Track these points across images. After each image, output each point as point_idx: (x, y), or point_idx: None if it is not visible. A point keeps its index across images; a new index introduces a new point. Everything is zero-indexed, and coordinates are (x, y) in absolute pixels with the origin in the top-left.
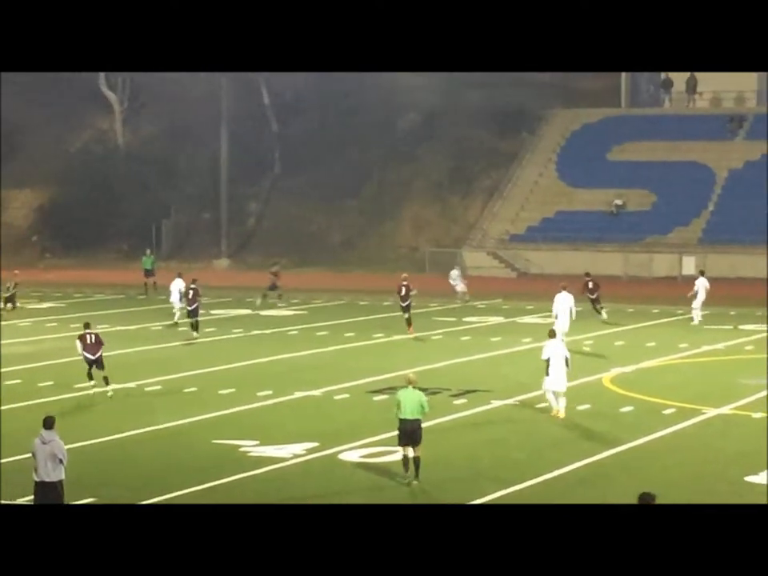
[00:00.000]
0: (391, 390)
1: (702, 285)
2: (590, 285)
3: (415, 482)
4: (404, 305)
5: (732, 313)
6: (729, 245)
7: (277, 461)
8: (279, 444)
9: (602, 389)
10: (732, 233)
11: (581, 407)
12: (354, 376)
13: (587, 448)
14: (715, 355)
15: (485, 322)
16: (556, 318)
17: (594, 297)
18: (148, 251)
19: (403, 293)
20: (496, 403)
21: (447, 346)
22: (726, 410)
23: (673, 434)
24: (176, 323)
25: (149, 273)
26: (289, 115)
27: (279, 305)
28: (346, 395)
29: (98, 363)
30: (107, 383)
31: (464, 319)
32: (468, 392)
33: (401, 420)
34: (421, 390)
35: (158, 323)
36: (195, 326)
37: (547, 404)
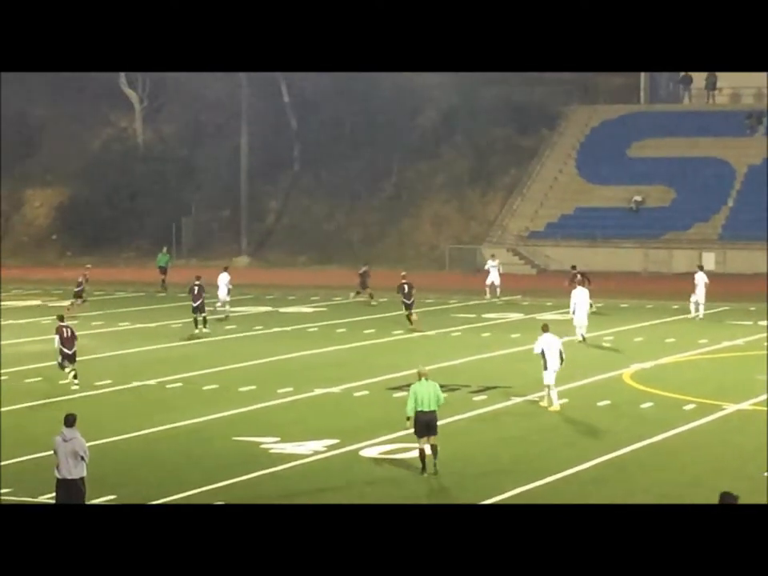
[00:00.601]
0: (410, 386)
1: (701, 280)
2: (579, 278)
3: (434, 472)
4: (408, 302)
5: (752, 308)
6: (748, 241)
7: (297, 457)
8: (299, 441)
9: (622, 385)
10: (751, 229)
11: (600, 403)
12: (374, 373)
13: (606, 444)
14: (734, 351)
15: (504, 318)
16: (573, 314)
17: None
18: (165, 249)
19: (406, 290)
20: (516, 400)
21: (467, 342)
22: (745, 405)
23: (692, 430)
24: (226, 317)
25: (163, 270)
26: (308, 113)
27: (372, 303)
28: (366, 392)
29: (72, 358)
30: (75, 377)
31: (483, 316)
32: (487, 388)
33: (419, 412)
34: (440, 386)
35: (178, 320)
36: (204, 322)
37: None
